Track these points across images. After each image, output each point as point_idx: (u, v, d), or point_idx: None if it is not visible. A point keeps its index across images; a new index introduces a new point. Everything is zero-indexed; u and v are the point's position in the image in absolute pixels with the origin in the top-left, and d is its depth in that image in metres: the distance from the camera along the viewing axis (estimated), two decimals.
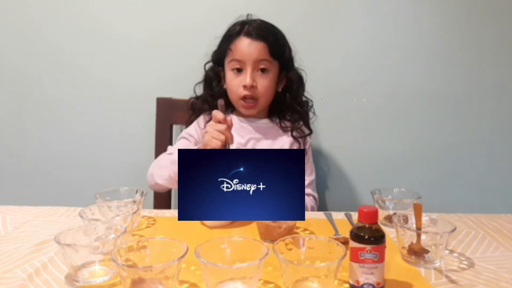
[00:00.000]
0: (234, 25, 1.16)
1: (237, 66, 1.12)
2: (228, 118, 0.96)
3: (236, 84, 1.13)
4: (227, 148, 0.96)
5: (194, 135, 1.20)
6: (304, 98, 1.23)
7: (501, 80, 1.44)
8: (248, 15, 1.18)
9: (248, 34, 1.11)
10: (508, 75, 1.44)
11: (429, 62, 1.43)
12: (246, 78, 1.11)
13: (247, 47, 1.11)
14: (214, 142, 0.94)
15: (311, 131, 1.23)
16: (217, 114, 0.95)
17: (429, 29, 1.41)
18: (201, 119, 1.22)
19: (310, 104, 1.24)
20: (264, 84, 1.12)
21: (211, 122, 0.97)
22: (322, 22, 1.41)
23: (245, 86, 1.11)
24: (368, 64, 1.43)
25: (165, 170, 1.04)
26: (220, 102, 0.99)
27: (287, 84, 1.19)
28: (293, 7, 1.39)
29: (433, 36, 1.42)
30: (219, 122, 0.95)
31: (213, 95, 1.20)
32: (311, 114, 1.26)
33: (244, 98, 1.13)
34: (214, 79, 1.21)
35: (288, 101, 1.18)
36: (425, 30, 1.42)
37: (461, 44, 1.42)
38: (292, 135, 1.19)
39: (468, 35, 1.42)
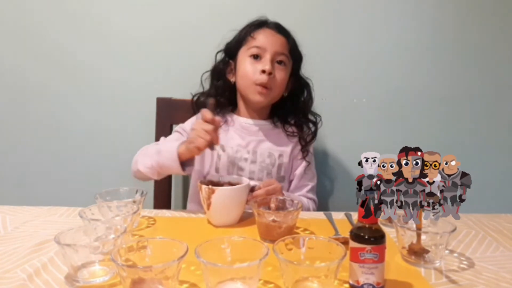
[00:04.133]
0: (255, 20, 1.17)
1: (256, 52, 1.12)
2: (217, 117, 0.95)
3: (253, 69, 1.12)
4: (212, 149, 0.96)
5: (188, 131, 1.19)
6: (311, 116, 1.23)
7: (501, 80, 1.44)
8: (266, 18, 1.19)
9: (271, 27, 1.15)
10: (508, 75, 1.44)
11: (429, 62, 1.43)
12: (266, 64, 1.10)
13: (270, 37, 1.13)
14: (199, 140, 0.93)
15: (313, 138, 1.22)
16: (206, 113, 0.94)
17: (429, 29, 1.42)
18: (199, 115, 1.21)
19: (319, 117, 1.23)
20: (281, 75, 1.13)
21: (199, 120, 0.96)
22: (322, 22, 1.41)
23: (263, 71, 1.09)
24: (368, 64, 1.43)
25: (148, 158, 1.03)
26: (211, 101, 0.98)
27: (292, 91, 1.20)
28: (293, 6, 1.39)
29: (433, 36, 1.42)
30: (207, 121, 0.94)
31: (217, 89, 1.20)
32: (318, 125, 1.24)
33: (259, 83, 1.11)
34: (222, 71, 1.20)
35: (297, 108, 1.20)
36: (425, 30, 1.42)
37: (461, 44, 1.42)
38: (300, 143, 1.20)
39: (468, 35, 1.42)
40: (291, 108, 1.21)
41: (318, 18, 1.41)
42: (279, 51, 1.12)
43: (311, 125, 1.22)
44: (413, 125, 1.46)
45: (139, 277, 0.58)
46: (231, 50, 1.19)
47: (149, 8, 1.40)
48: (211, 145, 0.95)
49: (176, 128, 1.23)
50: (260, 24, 1.16)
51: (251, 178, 1.13)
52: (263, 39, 1.13)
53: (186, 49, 1.40)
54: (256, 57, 1.12)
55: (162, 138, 1.18)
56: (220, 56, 1.22)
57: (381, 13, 1.40)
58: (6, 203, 1.01)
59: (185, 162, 1.00)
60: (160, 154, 1.00)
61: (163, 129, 1.35)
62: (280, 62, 1.13)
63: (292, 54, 1.15)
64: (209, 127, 0.93)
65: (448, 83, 1.44)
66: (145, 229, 0.88)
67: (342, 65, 1.43)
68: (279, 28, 1.15)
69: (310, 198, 1.20)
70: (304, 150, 1.20)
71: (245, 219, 0.93)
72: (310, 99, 1.22)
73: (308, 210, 1.16)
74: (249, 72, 1.12)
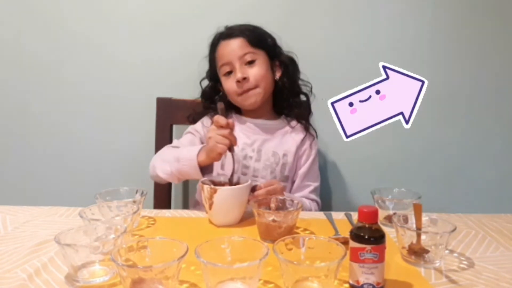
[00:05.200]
0: (213, 38, 1.20)
1: (227, 69, 1.15)
2: (230, 120, 0.96)
3: (230, 84, 1.15)
4: (232, 151, 0.96)
5: (200, 131, 1.21)
6: (301, 83, 1.24)
7: (501, 80, 1.44)
8: (226, 26, 1.20)
9: (225, 37, 1.16)
10: (509, 75, 1.44)
11: (429, 62, 1.43)
12: (237, 74, 1.12)
13: (228, 47, 1.15)
14: (219, 147, 0.94)
15: (310, 111, 1.24)
16: (219, 119, 0.95)
17: (429, 29, 1.41)
18: (206, 118, 1.23)
19: (309, 86, 1.25)
20: (255, 73, 1.14)
21: (213, 127, 0.97)
22: (322, 22, 1.41)
23: (238, 81, 1.12)
24: (368, 64, 1.42)
25: (167, 165, 1.04)
26: (220, 105, 0.98)
27: (283, 71, 1.21)
28: (294, 7, 1.39)
29: (434, 36, 1.42)
30: (221, 126, 0.95)
31: (214, 108, 1.22)
32: (312, 98, 1.26)
33: (241, 93, 1.14)
34: (211, 94, 1.23)
35: (288, 86, 1.20)
36: (425, 30, 1.41)
37: (461, 44, 1.42)
38: (301, 123, 1.21)
39: (468, 35, 1.42)
40: (285, 89, 1.21)
41: (318, 19, 1.41)
42: (242, 53, 1.13)
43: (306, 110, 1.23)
44: (413, 125, 1.45)
45: (139, 277, 0.58)
46: (212, 75, 1.22)
47: (149, 8, 1.40)
48: (230, 147, 0.95)
49: (188, 129, 1.24)
50: (217, 40, 1.18)
51: (255, 176, 1.14)
52: (224, 53, 1.15)
53: (187, 49, 1.40)
54: (229, 72, 1.15)
55: (175, 140, 1.19)
56: (205, 82, 1.25)
57: (382, 13, 1.40)
58: (6, 203, 1.01)
59: (204, 169, 1.00)
60: (180, 162, 1.01)
61: (163, 129, 1.35)
62: (250, 62, 1.14)
63: (257, 45, 1.15)
64: (225, 131, 0.94)
65: (448, 83, 1.44)
66: (145, 229, 0.88)
67: (342, 65, 1.42)
68: (231, 33, 1.16)
69: (312, 200, 1.20)
70: (308, 132, 1.21)
71: (245, 219, 0.93)
72: (295, 71, 1.22)
73: (310, 211, 1.16)
74: (230, 89, 1.16)
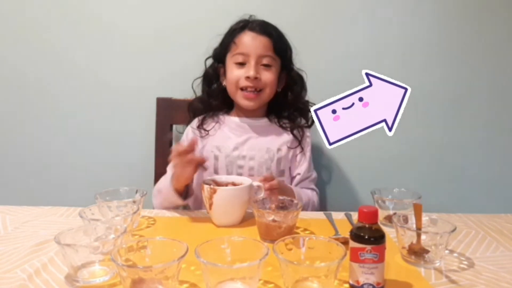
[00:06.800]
0: (238, 22, 1.17)
1: (241, 60, 1.13)
2: (190, 143, 0.94)
3: (238, 75, 1.13)
4: (206, 167, 0.98)
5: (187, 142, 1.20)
6: (306, 99, 1.22)
7: (501, 80, 1.44)
8: (250, 16, 1.19)
9: (253, 29, 1.13)
10: (508, 75, 1.44)
11: (429, 62, 1.43)
12: (250, 70, 1.11)
13: (251, 41, 1.12)
14: (184, 174, 0.95)
15: (310, 126, 1.22)
16: (178, 146, 0.93)
17: (429, 29, 1.42)
18: (189, 131, 1.22)
19: (311, 105, 1.24)
20: (268, 77, 1.13)
21: (174, 154, 0.94)
22: (322, 22, 1.41)
23: (248, 78, 1.11)
24: (368, 64, 1.43)
25: (156, 198, 1.06)
26: (170, 135, 0.97)
27: (287, 85, 1.20)
28: (294, 6, 1.39)
29: (434, 36, 1.42)
30: (180, 154, 0.92)
31: (210, 93, 1.21)
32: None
33: (245, 88, 1.13)
34: (213, 76, 1.21)
35: (290, 101, 1.19)
36: (425, 30, 1.42)
37: (461, 44, 1.42)
38: (292, 134, 1.19)
39: (468, 35, 1.42)
40: (286, 102, 1.20)
41: (319, 19, 1.41)
42: (263, 54, 1.12)
43: (308, 116, 1.22)
44: (413, 125, 1.46)
45: (139, 277, 0.58)
46: (219, 56, 1.20)
47: (149, 8, 1.40)
48: (201, 166, 0.96)
49: None
50: (242, 27, 1.15)
51: (251, 175, 1.13)
52: (246, 44, 1.12)
53: (187, 49, 1.40)
54: (242, 63, 1.13)
55: (168, 167, 1.12)
56: (210, 62, 1.23)
57: (381, 13, 1.40)
58: (6, 203, 1.01)
59: (185, 194, 1.01)
60: (161, 192, 1.03)
61: (163, 129, 1.35)
62: (266, 65, 1.13)
63: (278, 52, 1.14)
64: (185, 158, 0.93)
65: (448, 83, 1.44)
66: (145, 229, 0.88)
67: (342, 65, 1.42)
68: (261, 28, 1.13)
69: (313, 189, 1.20)
70: (301, 142, 1.19)
71: (245, 219, 0.93)
72: (302, 90, 1.21)
73: (314, 204, 1.15)
74: (235, 78, 1.13)
